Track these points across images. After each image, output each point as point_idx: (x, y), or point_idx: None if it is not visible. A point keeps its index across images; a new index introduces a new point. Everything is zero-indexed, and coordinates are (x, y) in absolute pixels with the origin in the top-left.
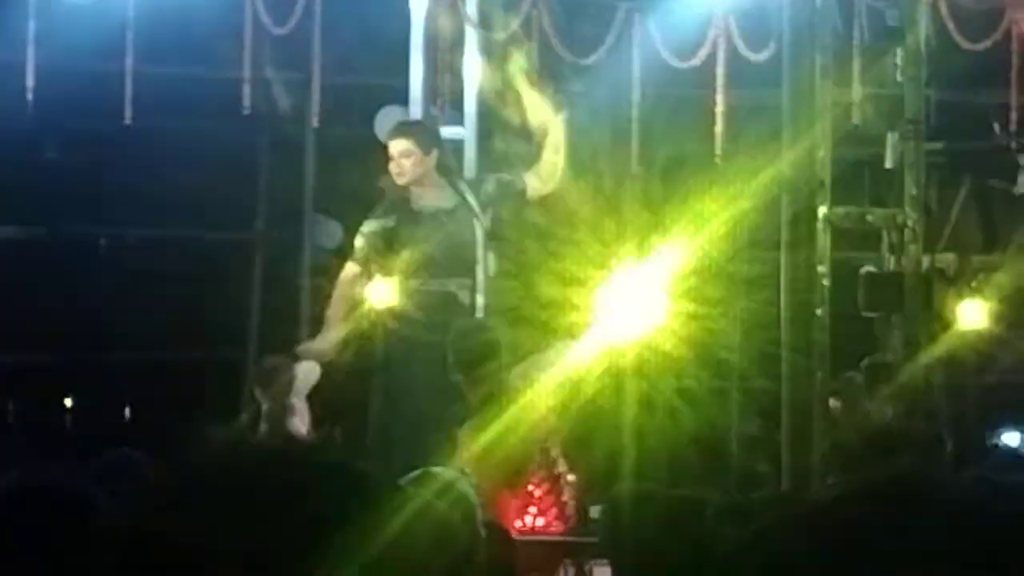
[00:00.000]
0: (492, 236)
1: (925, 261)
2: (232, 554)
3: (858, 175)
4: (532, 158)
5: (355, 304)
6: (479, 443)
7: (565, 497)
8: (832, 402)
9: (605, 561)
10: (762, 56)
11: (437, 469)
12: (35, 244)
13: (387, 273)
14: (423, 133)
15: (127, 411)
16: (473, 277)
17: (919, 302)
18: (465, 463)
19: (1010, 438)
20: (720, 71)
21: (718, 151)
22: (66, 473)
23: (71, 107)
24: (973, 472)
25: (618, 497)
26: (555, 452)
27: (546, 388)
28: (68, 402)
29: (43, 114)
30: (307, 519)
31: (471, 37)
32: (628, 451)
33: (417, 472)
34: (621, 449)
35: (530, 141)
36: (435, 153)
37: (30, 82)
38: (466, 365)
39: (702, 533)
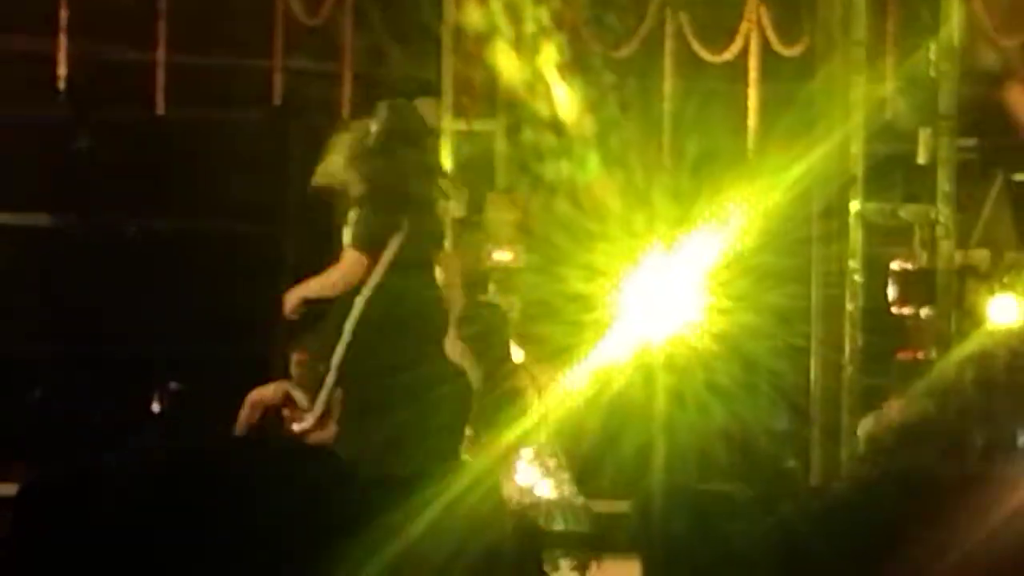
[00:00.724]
0: (521, 229)
1: (957, 257)
2: (249, 556)
3: (890, 171)
4: (562, 151)
5: None
6: (504, 438)
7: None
8: None
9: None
10: (795, 50)
11: (467, 461)
12: (65, 233)
13: None
14: None
15: (156, 403)
16: None
17: (951, 298)
18: (491, 456)
19: None
20: (752, 64)
21: (750, 145)
22: (91, 467)
23: (103, 96)
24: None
25: (648, 492)
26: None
27: (576, 384)
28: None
29: (75, 103)
30: (325, 520)
31: (502, 29)
32: (657, 446)
33: (448, 464)
34: (650, 444)
35: (560, 133)
36: None
37: (62, 71)
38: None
39: (731, 528)
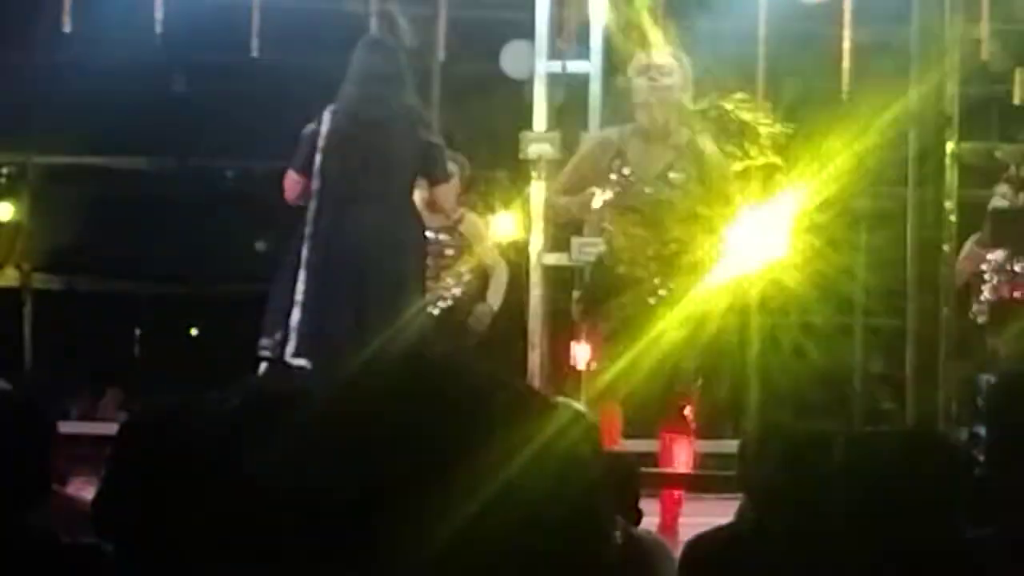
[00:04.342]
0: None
1: None
2: (344, 489)
3: (986, 112)
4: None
5: None
6: (605, 379)
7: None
8: None
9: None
10: None
11: (564, 400)
12: (163, 175)
13: None
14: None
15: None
16: None
17: None
18: (589, 399)
19: None
20: (847, 6)
21: (845, 87)
22: (190, 404)
23: (199, 40)
24: None
25: (763, 433)
26: (680, 388)
27: (671, 325)
28: (194, 332)
29: (171, 47)
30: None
31: None
32: (752, 388)
33: (547, 403)
34: (745, 386)
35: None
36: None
37: (159, 15)
38: (592, 300)
39: (826, 469)
